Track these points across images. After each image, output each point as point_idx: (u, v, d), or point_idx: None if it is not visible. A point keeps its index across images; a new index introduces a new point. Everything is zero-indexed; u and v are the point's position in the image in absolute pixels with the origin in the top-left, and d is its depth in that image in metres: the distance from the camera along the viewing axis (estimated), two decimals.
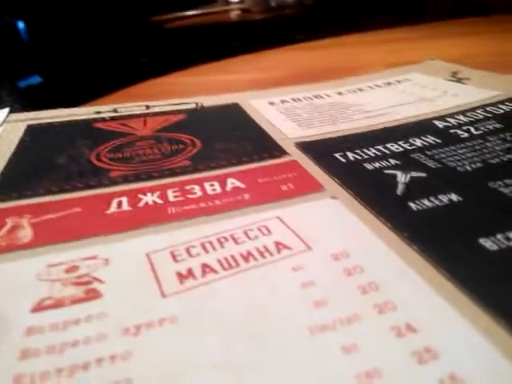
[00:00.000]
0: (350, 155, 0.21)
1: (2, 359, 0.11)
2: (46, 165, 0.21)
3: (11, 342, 0.11)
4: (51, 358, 0.11)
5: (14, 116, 0.28)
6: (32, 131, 0.25)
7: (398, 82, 0.33)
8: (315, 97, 0.31)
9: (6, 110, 0.28)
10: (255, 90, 0.33)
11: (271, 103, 0.30)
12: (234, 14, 1.61)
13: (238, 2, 2.07)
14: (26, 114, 0.28)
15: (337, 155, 0.21)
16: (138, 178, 0.20)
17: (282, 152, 0.22)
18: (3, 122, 0.27)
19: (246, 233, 0.15)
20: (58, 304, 0.12)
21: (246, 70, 0.46)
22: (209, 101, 0.30)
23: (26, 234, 0.16)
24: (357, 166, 0.20)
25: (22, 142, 0.24)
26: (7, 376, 0.10)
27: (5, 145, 0.24)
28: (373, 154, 0.21)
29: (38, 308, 0.12)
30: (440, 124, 0.24)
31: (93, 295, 0.13)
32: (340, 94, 0.31)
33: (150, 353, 0.11)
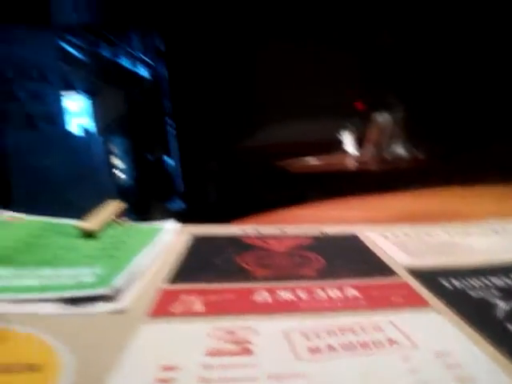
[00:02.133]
0: (455, 282, 0.23)
1: (188, 381, 0.15)
2: (207, 263, 0.27)
3: (192, 371, 0.15)
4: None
5: (183, 227, 0.35)
6: (196, 239, 0.32)
7: (505, 230, 0.35)
8: (425, 234, 0.34)
9: (178, 222, 0.36)
10: (370, 224, 0.37)
11: (385, 236, 0.33)
12: (351, 164, 1.73)
13: (354, 154, 2.22)
14: (191, 226, 0.35)
15: (443, 281, 0.23)
16: (275, 279, 0.24)
17: (393, 273, 0.25)
18: (174, 231, 0.34)
19: (362, 328, 0.18)
20: (223, 353, 0.16)
21: (361, 209, 0.51)
22: (331, 230, 0.35)
23: (197, 306, 0.21)
24: (461, 292, 0.22)
25: (189, 246, 0.30)
26: None
27: (177, 247, 0.30)
28: (476, 285, 0.23)
29: (210, 353, 0.16)
30: None
31: (246, 352, 0.17)
32: (448, 234, 0.34)
33: None
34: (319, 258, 0.28)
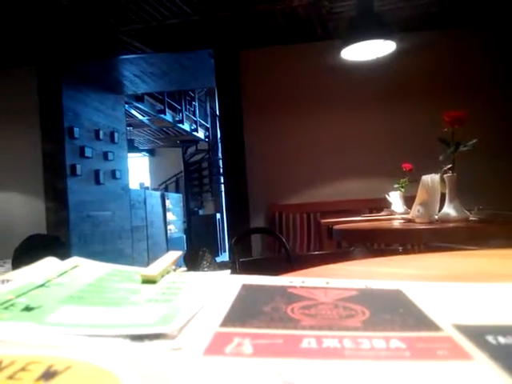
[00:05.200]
0: (501, 339, 0.23)
1: None
2: (256, 310, 0.28)
3: None
4: None
5: (233, 277, 0.37)
6: (246, 288, 0.33)
7: None
8: (473, 292, 0.33)
9: (229, 271, 0.37)
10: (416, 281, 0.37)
11: (430, 292, 0.33)
12: (398, 222, 1.70)
13: (402, 213, 2.19)
14: (241, 276, 0.36)
15: (488, 337, 0.23)
16: (321, 328, 0.25)
17: (438, 328, 0.25)
18: (225, 280, 0.36)
19: (405, 377, 0.19)
20: None
21: (405, 267, 0.50)
22: (375, 284, 0.35)
23: (247, 349, 0.22)
24: (506, 349, 0.22)
25: (239, 294, 0.32)
26: None
27: (228, 294, 0.31)
28: None
29: None
30: None
31: None
32: (498, 294, 0.33)
33: None
34: (364, 309, 0.28)
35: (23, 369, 0.20)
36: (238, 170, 3.98)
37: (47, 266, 0.36)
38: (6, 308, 0.27)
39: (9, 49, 3.82)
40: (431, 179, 1.51)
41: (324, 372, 0.19)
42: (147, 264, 0.38)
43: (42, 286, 0.31)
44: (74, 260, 0.37)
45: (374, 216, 2.57)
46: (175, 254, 0.41)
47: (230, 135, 4.08)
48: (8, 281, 0.32)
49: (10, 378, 0.19)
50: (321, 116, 3.96)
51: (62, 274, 0.34)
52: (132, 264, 0.38)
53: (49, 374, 0.19)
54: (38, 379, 0.19)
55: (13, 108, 4.20)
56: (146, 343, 0.22)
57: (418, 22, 3.60)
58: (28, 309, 0.27)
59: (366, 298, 0.32)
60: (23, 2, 2.99)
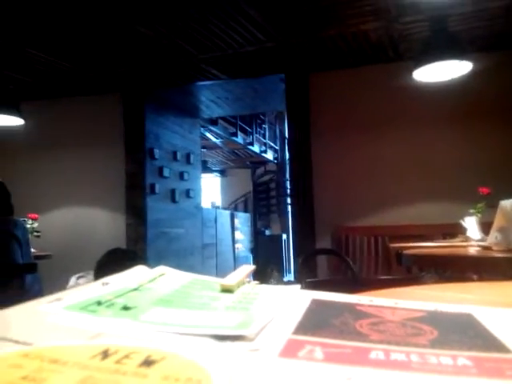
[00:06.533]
0: None
1: None
2: (326, 322, 0.29)
3: None
4: None
5: (303, 291, 0.38)
6: (315, 302, 0.35)
7: None
8: None
9: (299, 286, 0.39)
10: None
11: (501, 317, 0.32)
12: (474, 250, 1.61)
13: (478, 239, 2.06)
14: (310, 291, 0.38)
15: None
16: (389, 343, 0.26)
17: (508, 351, 0.25)
18: (296, 294, 0.38)
19: None
20: None
21: (478, 293, 0.49)
22: (445, 307, 0.35)
23: (318, 355, 0.23)
24: None
25: (309, 307, 0.34)
26: None
27: (299, 307, 0.33)
28: None
29: None
30: None
31: None
32: None
33: None
34: (432, 330, 0.29)
35: (127, 356, 0.23)
36: (306, 191, 3.99)
37: (139, 272, 0.40)
38: (107, 306, 0.31)
39: (97, 77, 4.19)
40: (510, 205, 1.42)
41: (392, 381, 0.20)
42: None
43: (136, 289, 0.35)
44: (161, 269, 0.41)
45: (447, 242, 2.44)
46: (249, 268, 0.44)
47: (298, 157, 4.11)
48: (107, 284, 0.37)
49: (118, 362, 0.22)
50: (390, 138, 3.87)
51: (151, 281, 0.38)
52: None
53: (148, 362, 0.22)
54: (140, 365, 0.22)
55: (100, 132, 4.57)
56: (228, 343, 0.25)
57: (495, 42, 3.44)
58: (126, 308, 0.31)
59: (435, 319, 0.32)
60: (111, 34, 3.28)
